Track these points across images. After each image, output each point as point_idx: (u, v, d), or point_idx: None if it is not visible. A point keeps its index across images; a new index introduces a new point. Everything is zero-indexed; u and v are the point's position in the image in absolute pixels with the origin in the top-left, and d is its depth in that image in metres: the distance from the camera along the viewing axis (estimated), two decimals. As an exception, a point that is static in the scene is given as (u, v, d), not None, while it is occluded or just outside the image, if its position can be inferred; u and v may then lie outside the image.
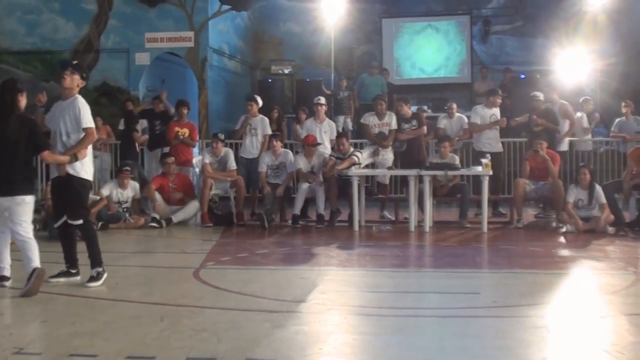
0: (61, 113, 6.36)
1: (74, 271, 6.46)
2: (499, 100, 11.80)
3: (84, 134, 6.31)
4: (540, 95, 11.70)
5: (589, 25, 17.29)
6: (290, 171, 11.27)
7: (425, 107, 15.67)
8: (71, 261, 6.47)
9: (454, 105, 12.68)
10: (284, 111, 14.26)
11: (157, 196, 11.07)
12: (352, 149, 11.20)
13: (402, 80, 18.51)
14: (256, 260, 7.88)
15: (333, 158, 10.97)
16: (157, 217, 10.88)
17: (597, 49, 16.75)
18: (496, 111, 11.73)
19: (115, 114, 14.91)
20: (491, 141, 11.65)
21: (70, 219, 6.36)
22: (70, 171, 6.31)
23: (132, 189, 10.89)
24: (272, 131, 11.87)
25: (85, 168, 6.40)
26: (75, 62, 7.22)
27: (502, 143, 11.96)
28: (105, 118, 14.25)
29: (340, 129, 14.18)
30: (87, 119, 6.32)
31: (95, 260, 6.38)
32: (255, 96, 12.36)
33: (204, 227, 10.86)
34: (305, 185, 10.91)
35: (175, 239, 9.91)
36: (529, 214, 11.97)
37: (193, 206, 11.22)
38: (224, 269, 7.27)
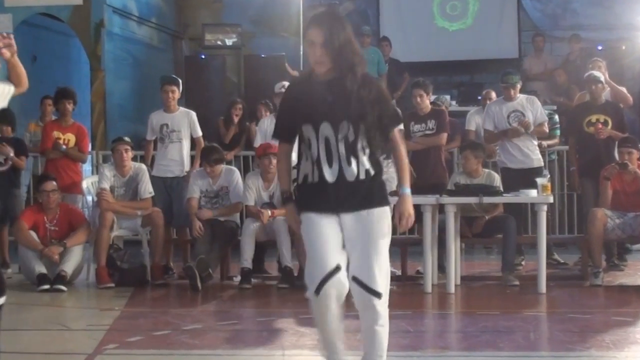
0: None
1: None
2: (512, 93, 11.46)
3: None
4: (601, 77, 11.60)
5: None
6: (236, 201, 11.25)
7: (447, 97, 15.66)
8: None
9: (493, 94, 12.71)
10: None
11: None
12: None
13: (412, 55, 18.61)
14: (183, 341, 7.85)
15: None
16: (45, 271, 10.81)
17: None
18: (518, 105, 11.45)
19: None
20: (521, 152, 11.53)
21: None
22: None
23: None
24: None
25: None
26: None
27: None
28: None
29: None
30: None
31: None
32: (175, 77, 12.26)
33: (101, 289, 10.82)
34: (254, 225, 10.87)
35: (54, 309, 9.87)
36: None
37: (76, 250, 11.10)
38: (132, 356, 7.24)
